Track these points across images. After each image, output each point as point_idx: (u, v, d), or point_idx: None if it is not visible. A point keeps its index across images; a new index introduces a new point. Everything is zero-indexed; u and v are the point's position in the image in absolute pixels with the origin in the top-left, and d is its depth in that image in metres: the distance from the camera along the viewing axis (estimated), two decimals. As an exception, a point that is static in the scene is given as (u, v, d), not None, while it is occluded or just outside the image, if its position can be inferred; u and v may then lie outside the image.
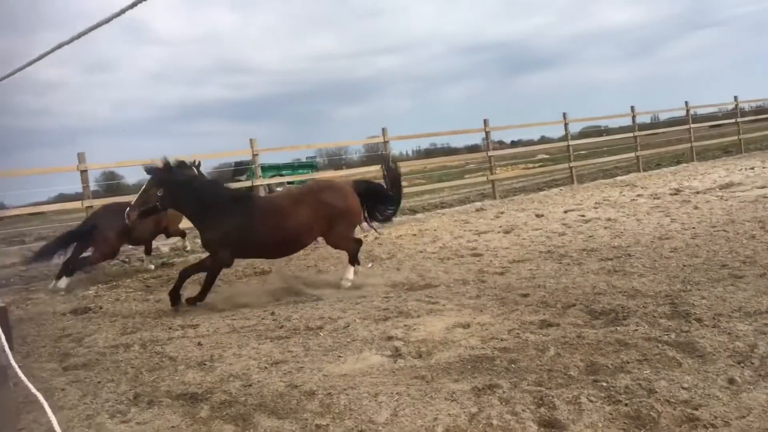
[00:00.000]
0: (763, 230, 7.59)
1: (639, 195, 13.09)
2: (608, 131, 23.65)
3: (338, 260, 8.74)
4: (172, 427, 3.51)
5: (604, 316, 4.75)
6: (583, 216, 10.78)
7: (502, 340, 4.40)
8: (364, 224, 7.77)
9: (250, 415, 3.54)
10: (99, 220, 8.96)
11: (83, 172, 10.69)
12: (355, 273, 7.19)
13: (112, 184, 20.42)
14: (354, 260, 7.24)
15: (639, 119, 20.80)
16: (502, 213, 12.70)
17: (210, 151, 13.63)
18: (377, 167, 15.09)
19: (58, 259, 8.92)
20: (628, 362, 3.72)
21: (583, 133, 24.38)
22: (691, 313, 4.51)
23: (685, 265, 6.20)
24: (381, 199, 7.60)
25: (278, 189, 17.85)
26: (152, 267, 9.86)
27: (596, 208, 11.78)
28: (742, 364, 3.54)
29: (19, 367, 1.52)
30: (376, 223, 7.78)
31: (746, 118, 25.69)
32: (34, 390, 1.39)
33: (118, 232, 8.68)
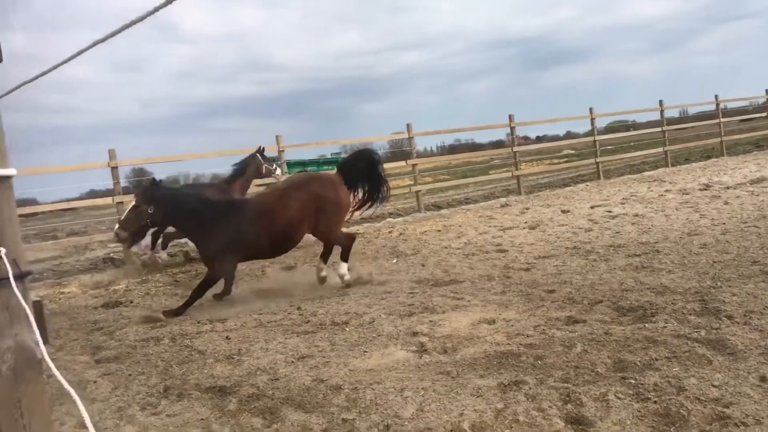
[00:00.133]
0: (797, 226, 7.42)
1: (667, 190, 12.89)
2: (635, 126, 23.23)
3: (363, 255, 8.77)
4: (202, 419, 3.57)
5: (631, 313, 4.70)
6: (610, 212, 10.65)
7: (527, 336, 4.39)
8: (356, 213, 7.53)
9: (278, 408, 3.59)
10: None
11: (114, 169, 10.87)
12: (349, 269, 7.01)
13: (141, 180, 20.74)
14: (347, 256, 7.01)
15: (667, 113, 20.43)
16: (527, 209, 12.61)
17: (235, 147, 13.79)
18: (402, 163, 15.16)
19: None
20: (656, 359, 3.68)
21: (610, 128, 24.07)
22: (721, 310, 4.44)
23: (715, 262, 6.10)
24: (369, 177, 7.29)
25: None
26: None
27: (623, 203, 11.63)
28: (775, 362, 3.48)
29: (53, 360, 1.56)
30: (369, 208, 7.50)
31: (778, 112, 25.09)
32: (66, 385, 1.42)
33: None
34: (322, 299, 6.36)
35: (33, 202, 14.93)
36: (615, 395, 3.23)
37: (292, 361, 4.41)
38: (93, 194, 17.25)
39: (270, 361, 4.46)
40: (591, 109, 18.03)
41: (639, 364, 3.65)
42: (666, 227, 8.52)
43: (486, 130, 19.15)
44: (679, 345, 3.86)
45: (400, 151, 19.95)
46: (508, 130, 16.92)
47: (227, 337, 5.23)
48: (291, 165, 12.78)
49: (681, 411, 2.99)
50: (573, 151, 28.56)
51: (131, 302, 7.38)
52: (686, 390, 3.20)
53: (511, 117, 16.33)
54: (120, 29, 1.25)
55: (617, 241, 7.91)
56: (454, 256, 8.19)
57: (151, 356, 4.95)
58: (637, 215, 9.91)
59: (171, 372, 4.50)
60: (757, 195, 10.48)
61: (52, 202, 14.00)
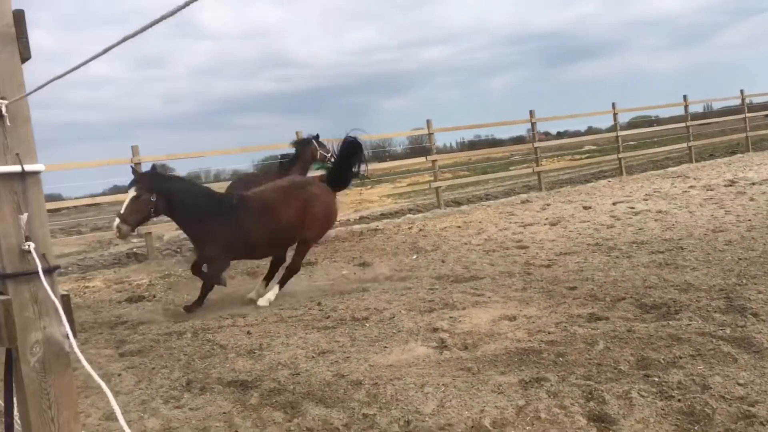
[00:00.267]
0: (825, 223, 7.28)
1: (691, 186, 12.71)
2: (659, 121, 22.95)
3: (383, 251, 8.78)
4: (224, 413, 3.61)
5: (655, 310, 4.64)
6: (632, 208, 10.53)
7: (549, 333, 4.36)
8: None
9: (299, 403, 3.61)
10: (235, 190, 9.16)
11: (137, 165, 11.00)
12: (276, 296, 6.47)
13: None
14: (286, 282, 6.62)
15: (691, 108, 20.12)
16: (548, 205, 12.51)
17: (256, 143, 13.86)
18: (422, 159, 15.13)
19: None
20: (680, 357, 3.64)
21: (633, 124, 23.77)
22: (747, 308, 4.37)
23: (740, 259, 6.01)
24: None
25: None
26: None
27: (646, 200, 11.49)
28: (802, 361, 3.42)
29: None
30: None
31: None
32: (97, 378, 1.45)
33: None
34: (342, 295, 6.38)
35: (58, 197, 15.15)
36: (638, 393, 3.20)
37: (313, 356, 4.43)
38: (116, 190, 17.46)
39: (291, 356, 4.49)
40: (614, 104, 17.81)
41: (663, 361, 3.61)
42: (690, 224, 8.40)
43: (506, 126, 19.01)
44: (703, 343, 3.82)
45: (420, 147, 19.90)
46: (529, 125, 16.79)
47: (248, 332, 5.27)
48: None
49: (705, 409, 2.95)
50: (595, 147, 28.28)
51: (154, 296, 7.47)
52: (711, 388, 3.16)
53: (531, 112, 16.20)
54: (149, 25, 1.25)
55: (640, 237, 7.82)
56: (474, 252, 8.16)
57: (173, 350, 5.01)
58: (660, 211, 9.78)
59: (193, 366, 4.55)
60: (784, 191, 10.29)
61: (77, 198, 14.20)
